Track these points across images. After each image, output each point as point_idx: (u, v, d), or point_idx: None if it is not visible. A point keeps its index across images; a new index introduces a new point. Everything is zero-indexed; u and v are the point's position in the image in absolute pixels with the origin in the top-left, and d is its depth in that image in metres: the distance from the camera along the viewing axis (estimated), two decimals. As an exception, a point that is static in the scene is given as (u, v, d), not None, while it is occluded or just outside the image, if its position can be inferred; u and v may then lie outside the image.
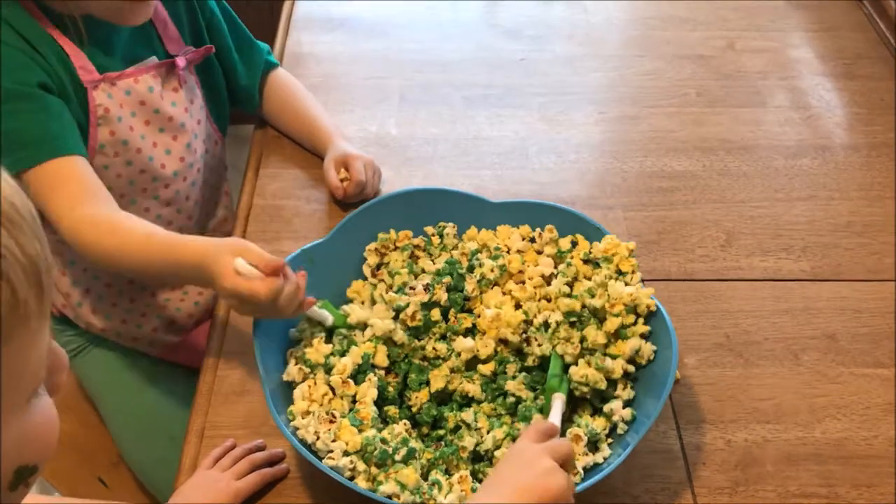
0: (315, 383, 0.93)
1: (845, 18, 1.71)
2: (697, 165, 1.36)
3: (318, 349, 0.95)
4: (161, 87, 1.16)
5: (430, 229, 1.09)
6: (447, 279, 1.02)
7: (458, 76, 1.53)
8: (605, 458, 0.91)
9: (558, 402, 0.92)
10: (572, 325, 0.98)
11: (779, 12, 1.72)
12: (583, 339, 0.97)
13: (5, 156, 1.00)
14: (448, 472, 0.89)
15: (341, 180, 1.23)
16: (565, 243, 1.06)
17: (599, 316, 0.98)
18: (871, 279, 1.19)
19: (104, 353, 1.30)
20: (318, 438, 0.88)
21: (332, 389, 0.93)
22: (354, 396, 0.93)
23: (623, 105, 1.49)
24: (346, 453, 0.86)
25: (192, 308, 1.31)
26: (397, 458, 0.86)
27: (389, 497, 0.83)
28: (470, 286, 1.02)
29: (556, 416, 0.91)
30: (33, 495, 0.84)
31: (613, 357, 0.95)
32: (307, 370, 0.94)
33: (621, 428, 0.93)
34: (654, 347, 0.95)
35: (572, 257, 1.03)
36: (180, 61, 1.18)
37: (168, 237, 1.01)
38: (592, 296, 0.97)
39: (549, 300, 1.01)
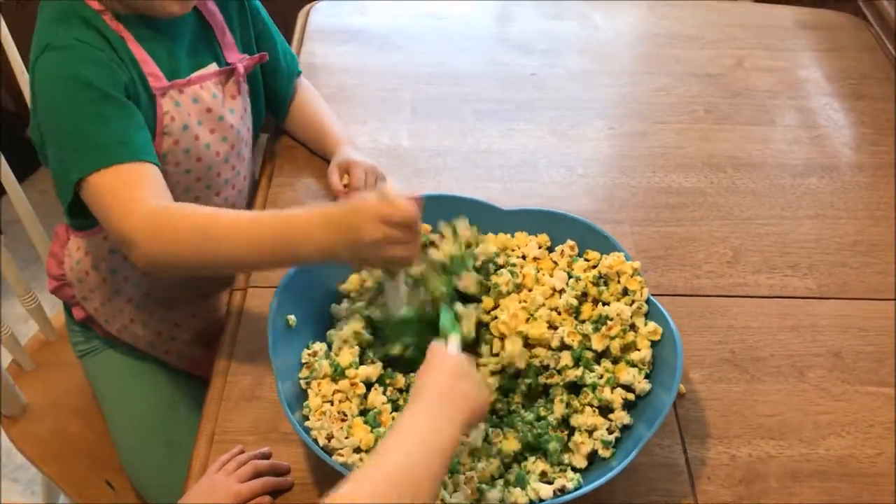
0: (320, 384, 0.95)
1: (853, 39, 1.72)
2: (705, 182, 1.37)
3: (346, 355, 0.98)
4: (222, 94, 1.18)
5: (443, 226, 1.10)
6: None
7: (469, 90, 1.55)
8: (606, 458, 0.92)
9: (454, 340, 0.92)
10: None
11: (787, 32, 1.73)
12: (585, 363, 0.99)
13: (80, 155, 1.00)
14: (451, 472, 0.90)
15: (344, 185, 1.26)
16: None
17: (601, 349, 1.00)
18: (877, 298, 1.20)
19: (115, 354, 1.31)
20: (330, 440, 0.89)
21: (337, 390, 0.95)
22: (364, 396, 0.95)
23: (632, 121, 1.50)
24: (357, 450, 0.88)
25: (221, 320, 1.28)
26: None
27: None
28: (486, 301, 1.04)
29: (453, 346, 0.91)
30: None
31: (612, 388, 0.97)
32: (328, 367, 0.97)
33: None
34: (649, 386, 0.97)
35: (583, 272, 1.05)
36: (240, 68, 1.19)
37: (274, 214, 1.00)
38: (597, 329, 1.00)
39: (557, 312, 1.03)
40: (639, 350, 0.98)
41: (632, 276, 1.03)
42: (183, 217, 0.99)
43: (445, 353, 0.87)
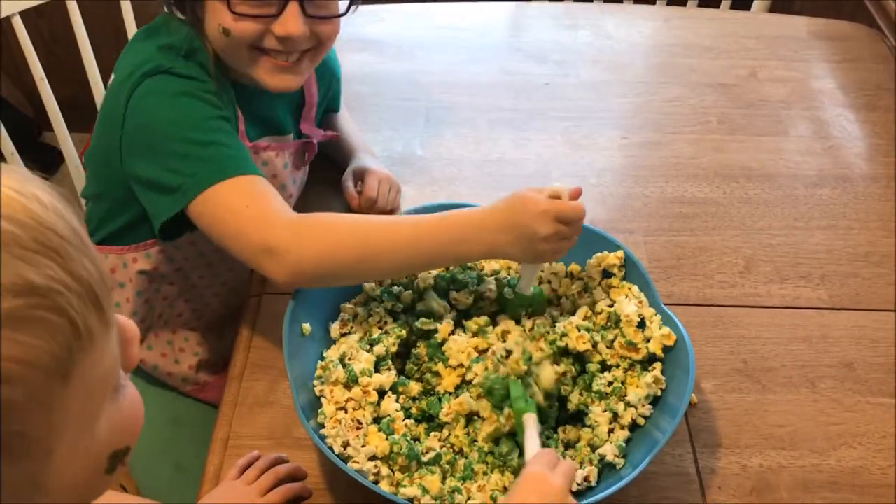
0: (332, 391, 0.96)
1: (867, 50, 1.72)
2: (718, 192, 1.38)
3: (364, 360, 0.99)
4: (291, 164, 1.19)
5: None
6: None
7: (483, 99, 1.56)
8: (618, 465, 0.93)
9: (531, 422, 0.92)
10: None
11: (801, 43, 1.73)
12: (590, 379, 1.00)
13: (208, 164, 0.98)
14: (464, 479, 0.91)
15: (357, 192, 1.27)
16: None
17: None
18: (889, 309, 1.20)
19: None
20: (345, 447, 0.90)
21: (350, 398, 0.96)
22: (377, 404, 0.96)
23: (645, 131, 1.50)
24: (373, 457, 0.89)
25: (228, 350, 1.26)
26: (424, 459, 0.89)
27: (411, 501, 0.86)
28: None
29: (532, 434, 0.91)
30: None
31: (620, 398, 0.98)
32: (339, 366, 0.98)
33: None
34: (650, 412, 0.97)
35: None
36: (314, 144, 1.21)
37: (435, 218, 0.99)
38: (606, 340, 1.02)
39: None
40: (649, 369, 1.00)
41: (620, 269, 1.07)
42: (338, 223, 0.98)
43: (547, 480, 0.79)
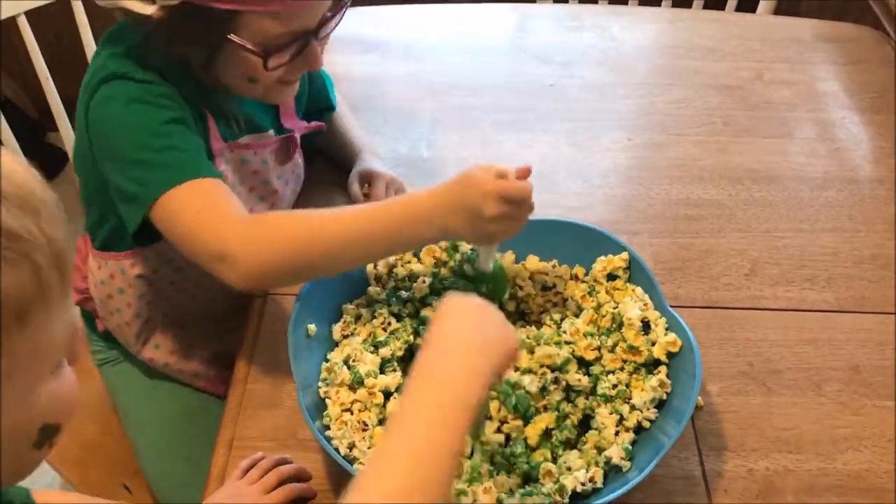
0: (338, 392, 0.96)
1: (872, 53, 1.72)
2: (723, 194, 1.37)
3: (370, 361, 0.99)
4: (273, 161, 1.18)
5: (443, 244, 1.12)
6: None
7: (488, 100, 1.55)
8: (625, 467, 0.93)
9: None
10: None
11: (807, 45, 1.73)
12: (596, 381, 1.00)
13: (161, 170, 0.97)
14: (470, 481, 0.91)
15: (364, 195, 1.26)
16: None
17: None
18: (895, 312, 1.20)
19: (133, 367, 1.31)
20: (351, 449, 0.90)
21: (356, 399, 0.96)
22: (382, 406, 0.96)
23: (650, 132, 1.50)
24: None
25: (237, 340, 1.26)
26: None
27: None
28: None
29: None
30: (56, 492, 0.86)
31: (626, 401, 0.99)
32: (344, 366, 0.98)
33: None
34: (655, 415, 0.97)
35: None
36: (296, 137, 1.20)
37: (385, 205, 0.99)
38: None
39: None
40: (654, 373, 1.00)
41: (625, 271, 1.07)
42: (288, 220, 0.97)
43: (462, 297, 0.81)
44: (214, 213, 0.96)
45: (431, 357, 0.74)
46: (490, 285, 1.06)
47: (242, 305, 1.22)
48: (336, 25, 1.04)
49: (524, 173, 0.97)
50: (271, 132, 1.18)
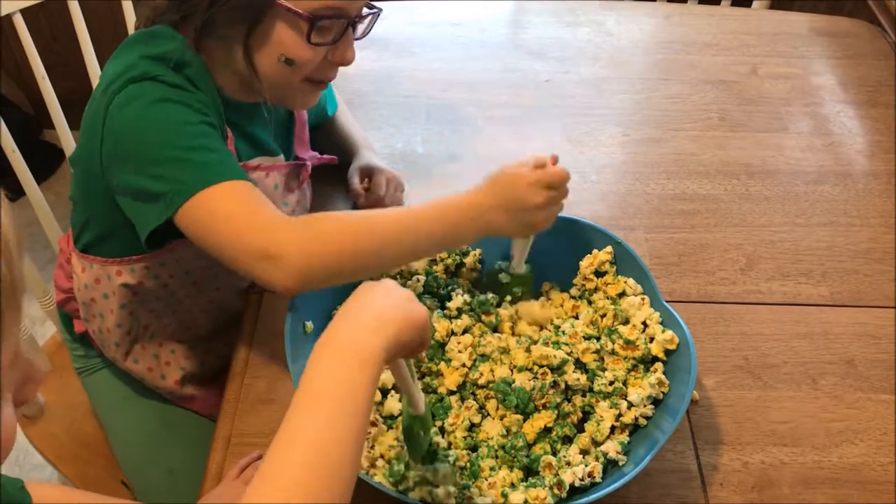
0: None
1: (868, 47, 1.72)
2: (719, 189, 1.38)
3: None
4: (283, 186, 1.16)
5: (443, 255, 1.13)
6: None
7: (483, 96, 1.56)
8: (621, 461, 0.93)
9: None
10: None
11: (802, 40, 1.73)
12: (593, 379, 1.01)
13: (195, 169, 0.94)
14: (475, 476, 0.91)
15: (365, 189, 1.27)
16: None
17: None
18: (890, 306, 1.20)
19: (111, 375, 1.30)
20: None
21: None
22: (380, 403, 0.97)
23: (646, 127, 1.51)
24: (381, 456, 0.90)
25: (216, 361, 1.27)
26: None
27: (422, 500, 0.86)
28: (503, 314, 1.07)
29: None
30: (48, 484, 0.86)
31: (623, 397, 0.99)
32: None
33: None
34: (652, 411, 0.97)
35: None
36: (308, 166, 1.19)
37: (430, 205, 0.98)
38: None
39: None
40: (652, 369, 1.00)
41: (611, 264, 1.08)
42: (334, 224, 0.95)
43: (373, 282, 0.80)
44: (259, 214, 0.93)
45: (320, 344, 0.71)
46: (523, 287, 1.09)
47: (221, 328, 1.23)
48: (369, 30, 1.05)
49: (556, 160, 1.00)
50: (281, 157, 1.17)
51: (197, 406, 1.28)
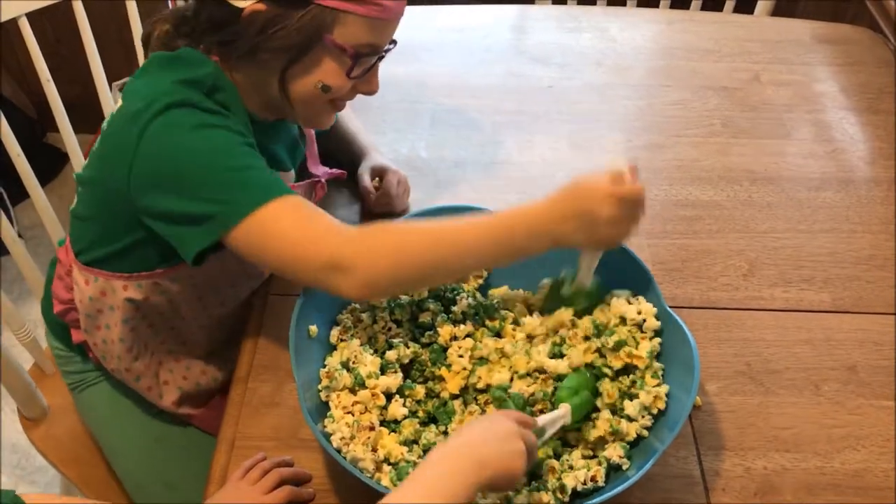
0: (339, 396, 0.96)
1: (870, 54, 1.73)
2: (722, 195, 1.38)
3: (370, 363, 0.99)
4: None
5: None
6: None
7: (487, 101, 1.56)
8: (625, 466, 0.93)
9: (558, 412, 0.94)
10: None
11: (804, 47, 1.74)
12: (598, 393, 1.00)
13: (247, 188, 0.95)
14: None
15: (375, 188, 1.28)
16: None
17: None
18: (892, 312, 1.20)
19: (105, 388, 1.29)
20: (348, 442, 0.91)
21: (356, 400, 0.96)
22: (384, 407, 0.97)
23: (649, 133, 1.51)
24: (386, 461, 0.90)
25: (212, 383, 1.27)
26: None
27: None
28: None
29: (547, 418, 0.93)
30: (45, 496, 0.86)
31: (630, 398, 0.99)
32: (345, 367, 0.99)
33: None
34: (650, 422, 0.97)
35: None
36: (324, 183, 1.21)
37: (497, 216, 0.98)
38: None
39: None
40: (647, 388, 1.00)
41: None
42: (402, 233, 0.96)
43: (498, 416, 0.85)
44: (319, 225, 0.95)
45: (441, 449, 0.79)
46: (589, 302, 1.05)
47: (217, 348, 1.23)
48: (383, 57, 1.08)
49: (635, 170, 0.95)
50: (292, 173, 1.20)
51: (195, 422, 1.28)
